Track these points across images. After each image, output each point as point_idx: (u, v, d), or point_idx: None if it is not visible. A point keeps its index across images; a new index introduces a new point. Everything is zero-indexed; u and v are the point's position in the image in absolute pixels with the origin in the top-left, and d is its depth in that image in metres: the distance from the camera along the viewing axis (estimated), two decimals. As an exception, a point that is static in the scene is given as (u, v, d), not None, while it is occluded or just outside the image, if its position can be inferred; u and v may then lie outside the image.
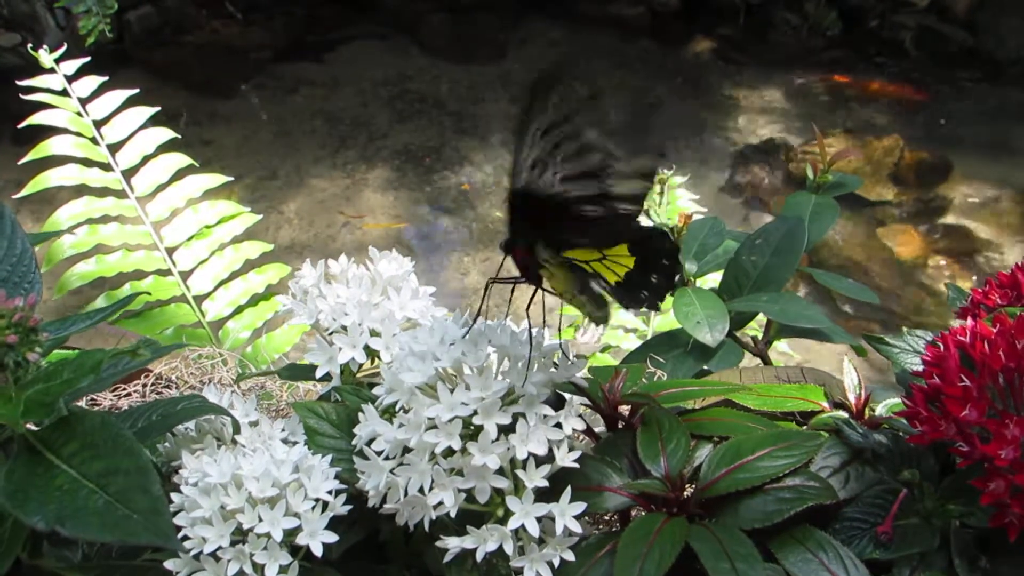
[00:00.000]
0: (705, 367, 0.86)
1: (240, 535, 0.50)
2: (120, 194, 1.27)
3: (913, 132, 3.12)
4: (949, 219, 2.76)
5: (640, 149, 0.47)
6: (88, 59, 1.29)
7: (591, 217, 0.50)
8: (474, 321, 0.54)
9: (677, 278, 0.55)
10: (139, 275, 1.24)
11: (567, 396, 0.55)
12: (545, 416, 0.51)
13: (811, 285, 2.35)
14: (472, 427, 0.51)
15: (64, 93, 1.27)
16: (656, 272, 0.52)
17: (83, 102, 1.28)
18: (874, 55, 3.51)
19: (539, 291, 0.53)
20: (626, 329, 1.44)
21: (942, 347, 0.51)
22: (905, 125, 3.17)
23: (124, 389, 0.76)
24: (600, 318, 0.52)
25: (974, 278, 2.50)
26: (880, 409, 0.59)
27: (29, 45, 1.29)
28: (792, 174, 2.92)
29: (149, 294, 1.18)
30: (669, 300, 0.83)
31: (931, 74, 3.41)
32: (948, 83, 3.37)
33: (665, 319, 1.43)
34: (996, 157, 2.99)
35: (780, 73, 3.46)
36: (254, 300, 1.29)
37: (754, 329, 1.01)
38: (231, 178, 1.40)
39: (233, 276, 1.29)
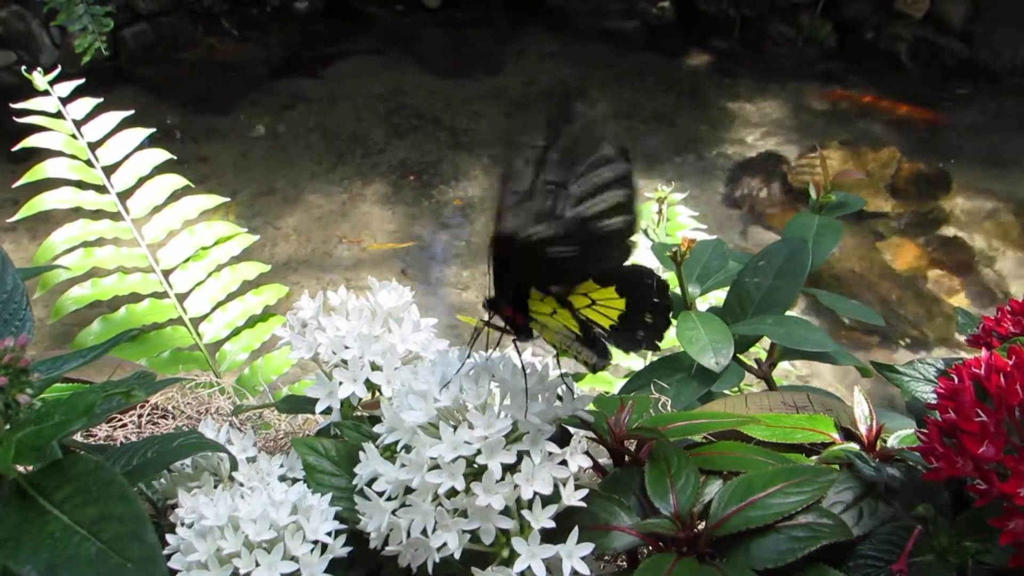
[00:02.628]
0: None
1: (237, 579, 0.49)
2: (115, 216, 1.26)
3: (910, 143, 3.11)
4: (947, 231, 2.76)
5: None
6: (83, 81, 1.28)
7: (591, 238, 0.48)
8: (467, 356, 0.53)
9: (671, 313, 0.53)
10: (135, 298, 1.23)
11: (572, 431, 0.54)
12: (550, 453, 0.50)
13: (809, 298, 2.35)
14: (476, 466, 0.49)
15: (59, 115, 1.26)
16: (648, 311, 0.51)
17: (78, 124, 1.27)
18: (872, 68, 3.51)
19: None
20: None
21: (956, 379, 0.50)
22: (902, 136, 3.17)
23: (119, 419, 0.75)
24: (601, 366, 0.51)
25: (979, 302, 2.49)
26: (892, 440, 0.58)
27: (24, 68, 1.28)
28: (790, 186, 2.92)
29: (145, 331, 1.17)
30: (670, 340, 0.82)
31: (927, 86, 3.41)
32: (945, 94, 3.37)
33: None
34: (994, 168, 2.99)
35: (776, 85, 3.46)
36: (251, 322, 1.28)
37: (757, 348, 1.00)
38: (228, 199, 1.39)
39: (230, 297, 1.28)
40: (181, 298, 1.26)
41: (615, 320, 0.51)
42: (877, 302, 2.45)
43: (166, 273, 1.27)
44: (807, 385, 1.07)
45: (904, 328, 2.40)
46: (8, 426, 0.46)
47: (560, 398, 0.53)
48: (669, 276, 1.39)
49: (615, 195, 0.46)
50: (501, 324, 0.52)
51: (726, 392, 0.94)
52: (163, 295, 1.25)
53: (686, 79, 3.55)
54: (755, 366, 0.92)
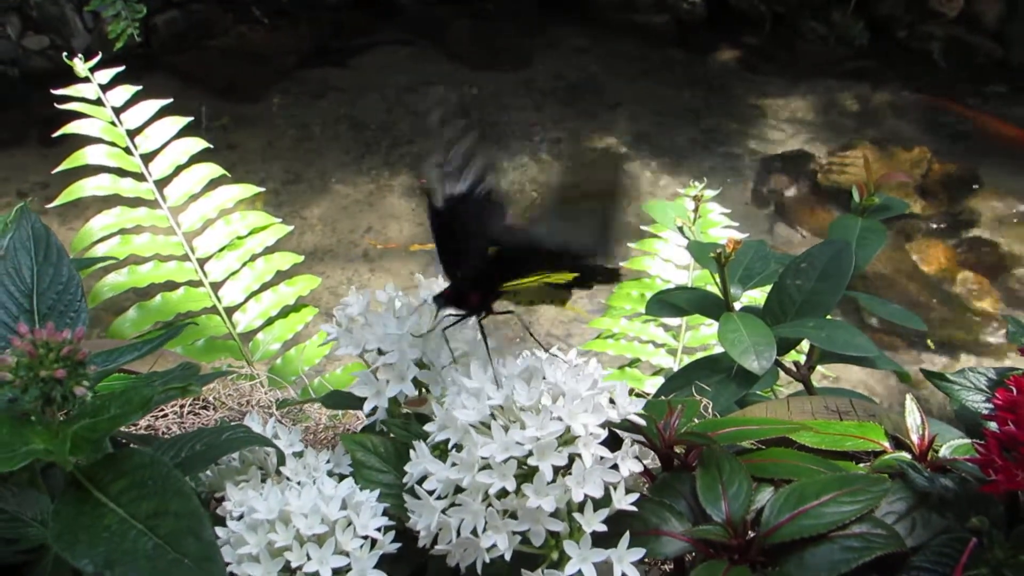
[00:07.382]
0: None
1: (288, 573, 0.49)
2: (153, 204, 1.27)
3: (940, 143, 3.08)
4: (977, 233, 2.73)
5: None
6: (123, 68, 1.29)
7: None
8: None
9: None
10: (170, 286, 1.24)
11: (621, 435, 0.54)
12: (602, 457, 0.50)
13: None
14: (527, 467, 0.49)
15: (98, 102, 1.26)
16: (599, 274, 0.58)
17: (117, 111, 1.27)
18: (904, 67, 3.47)
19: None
20: (656, 344, 1.42)
21: (1014, 390, 0.49)
22: (932, 136, 3.13)
23: (161, 409, 0.75)
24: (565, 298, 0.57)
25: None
26: (944, 451, 0.57)
27: (64, 54, 1.29)
28: (819, 185, 2.90)
29: (196, 324, 1.18)
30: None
31: (960, 85, 3.37)
32: (977, 94, 3.33)
33: (695, 335, 1.41)
34: (1027, 170, 2.95)
35: (806, 83, 3.44)
36: (284, 312, 1.28)
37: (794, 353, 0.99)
38: (262, 188, 1.39)
39: (264, 287, 1.28)
40: (216, 287, 1.26)
41: (572, 280, 0.56)
42: (905, 304, 2.43)
43: (201, 262, 1.27)
44: (845, 388, 1.06)
45: (932, 330, 2.38)
46: (63, 418, 0.47)
47: (612, 401, 0.52)
48: (701, 274, 1.39)
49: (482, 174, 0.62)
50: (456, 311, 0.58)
51: (759, 393, 0.93)
52: (198, 284, 1.26)
53: (715, 75, 3.53)
54: (794, 368, 0.91)
